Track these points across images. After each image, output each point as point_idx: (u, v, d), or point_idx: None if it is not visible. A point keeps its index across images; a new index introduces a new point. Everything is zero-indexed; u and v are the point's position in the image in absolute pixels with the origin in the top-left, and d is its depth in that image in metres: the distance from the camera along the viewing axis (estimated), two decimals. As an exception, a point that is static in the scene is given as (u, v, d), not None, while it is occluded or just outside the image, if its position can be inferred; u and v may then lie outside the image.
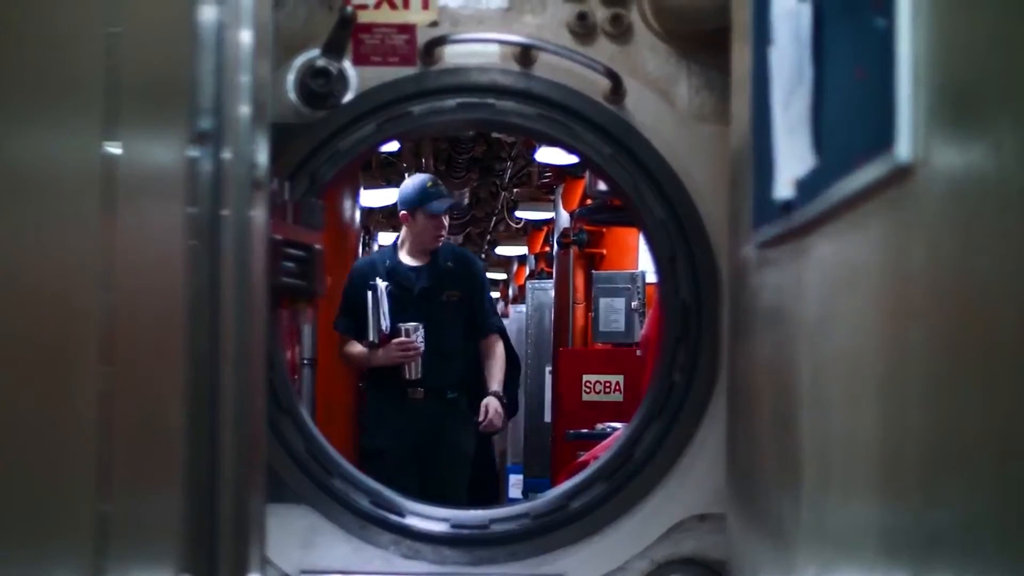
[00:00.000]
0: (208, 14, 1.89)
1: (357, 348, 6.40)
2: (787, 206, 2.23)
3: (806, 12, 2.05)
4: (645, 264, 9.02)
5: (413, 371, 6.25)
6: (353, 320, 6.40)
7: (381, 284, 6.35)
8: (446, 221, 6.61)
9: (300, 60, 3.65)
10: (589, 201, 9.66)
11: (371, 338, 6.27)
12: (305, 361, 6.82)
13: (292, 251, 3.40)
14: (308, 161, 3.73)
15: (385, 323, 6.28)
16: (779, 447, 2.38)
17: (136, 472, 1.59)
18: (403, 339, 6.21)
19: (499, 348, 6.57)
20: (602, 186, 7.78)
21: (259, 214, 2.40)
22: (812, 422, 2.12)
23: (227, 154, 1.95)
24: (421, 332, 6.22)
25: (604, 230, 10.30)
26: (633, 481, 3.80)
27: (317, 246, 3.43)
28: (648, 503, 3.78)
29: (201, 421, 1.89)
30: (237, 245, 2.05)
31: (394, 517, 3.78)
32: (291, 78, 3.64)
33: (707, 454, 3.69)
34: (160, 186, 1.74)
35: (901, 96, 1.52)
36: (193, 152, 1.88)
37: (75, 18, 1.36)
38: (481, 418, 6.39)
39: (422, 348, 6.22)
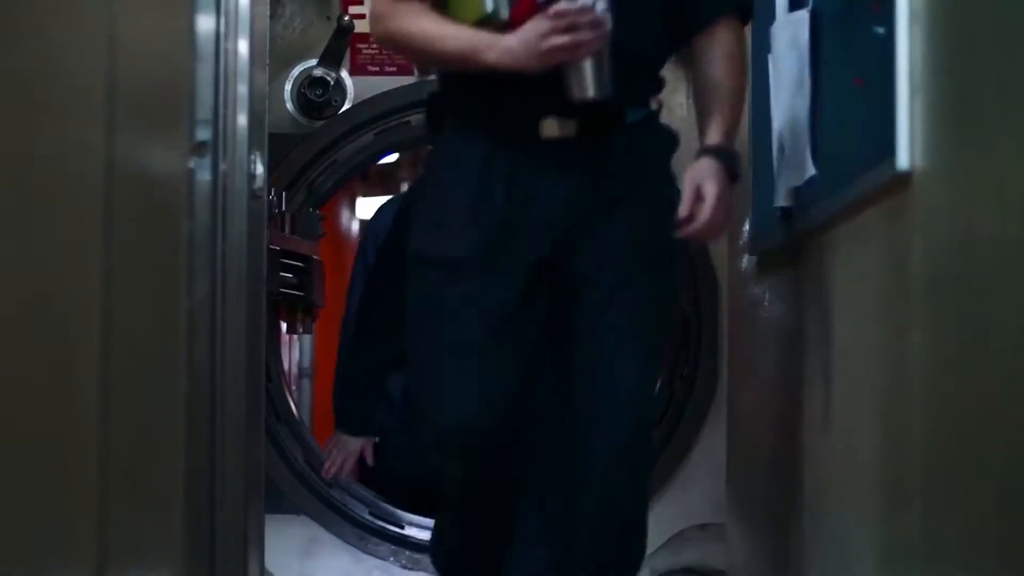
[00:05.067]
0: (206, 24, 1.89)
1: (432, 23, 2.32)
2: (786, 215, 2.23)
3: (805, 20, 2.05)
4: (643, 273, 9.00)
5: (587, 81, 2.28)
6: None
7: None
8: None
9: (297, 70, 3.65)
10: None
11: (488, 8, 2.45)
12: (304, 371, 6.61)
13: (290, 262, 3.41)
14: (306, 171, 3.73)
15: None
16: (779, 457, 2.37)
17: (136, 483, 1.59)
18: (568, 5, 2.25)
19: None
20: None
21: (257, 225, 2.40)
22: (812, 432, 2.11)
23: (225, 164, 1.95)
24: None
25: (602, 239, 10.27)
26: (633, 491, 3.79)
27: (315, 257, 3.43)
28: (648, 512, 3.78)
29: (201, 432, 1.89)
30: (235, 256, 2.05)
31: (393, 528, 3.77)
32: (289, 88, 3.64)
33: (707, 463, 3.68)
34: (159, 196, 1.73)
35: (900, 105, 1.52)
36: (192, 162, 1.88)
37: (74, 28, 1.36)
38: None
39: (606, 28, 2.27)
